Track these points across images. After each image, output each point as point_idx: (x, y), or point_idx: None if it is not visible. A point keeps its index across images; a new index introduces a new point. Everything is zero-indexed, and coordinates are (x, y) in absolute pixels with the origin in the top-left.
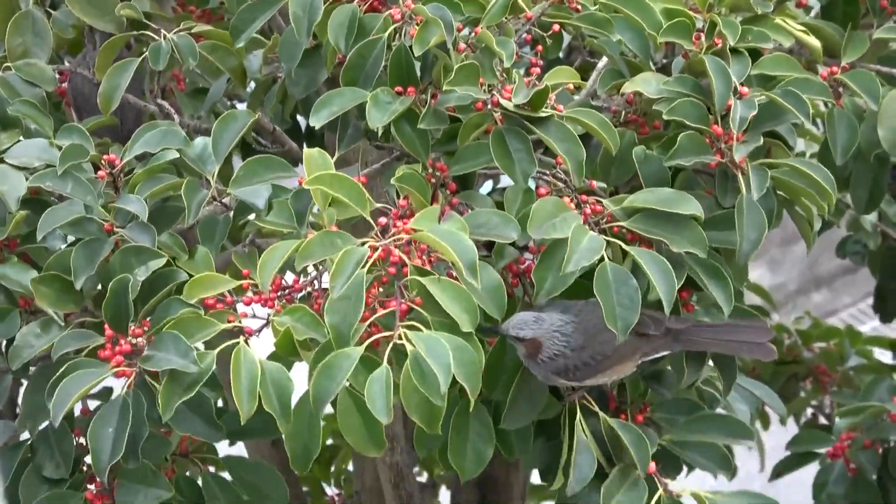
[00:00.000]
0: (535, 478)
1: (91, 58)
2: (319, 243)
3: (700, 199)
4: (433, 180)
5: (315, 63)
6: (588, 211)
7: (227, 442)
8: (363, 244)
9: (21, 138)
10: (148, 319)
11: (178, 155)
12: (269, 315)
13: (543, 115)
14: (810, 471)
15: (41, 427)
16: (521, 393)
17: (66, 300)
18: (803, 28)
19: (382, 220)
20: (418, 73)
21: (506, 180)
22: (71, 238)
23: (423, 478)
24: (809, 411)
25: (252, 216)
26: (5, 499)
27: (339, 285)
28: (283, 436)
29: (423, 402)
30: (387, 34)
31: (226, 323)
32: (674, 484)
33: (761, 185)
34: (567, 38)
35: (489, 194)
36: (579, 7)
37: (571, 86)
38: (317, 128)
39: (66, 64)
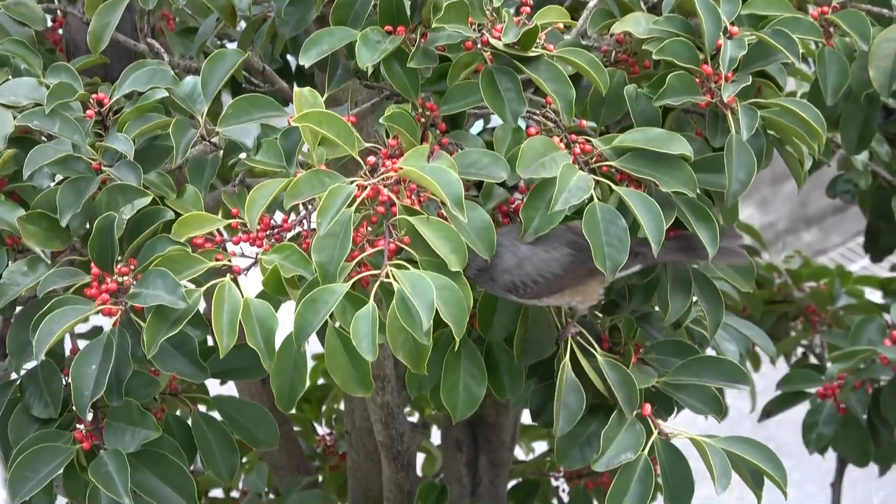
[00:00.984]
0: (527, 418)
1: None
2: (308, 182)
3: (690, 140)
4: (423, 120)
5: (305, 2)
6: (577, 150)
7: (217, 382)
8: (351, 183)
9: (10, 77)
10: (135, 258)
11: (167, 94)
12: (257, 254)
13: (533, 54)
14: (801, 410)
15: (29, 366)
16: (528, 332)
17: (53, 238)
18: None
19: (371, 159)
20: (408, 12)
21: (496, 120)
22: (60, 178)
23: (414, 418)
24: (800, 351)
25: (242, 155)
26: None
27: (326, 223)
28: (269, 374)
29: (408, 342)
30: None
31: (214, 261)
32: (666, 425)
33: (751, 125)
34: None
35: (479, 134)
36: None
37: (561, 25)
38: (306, 67)
39: (57, 3)
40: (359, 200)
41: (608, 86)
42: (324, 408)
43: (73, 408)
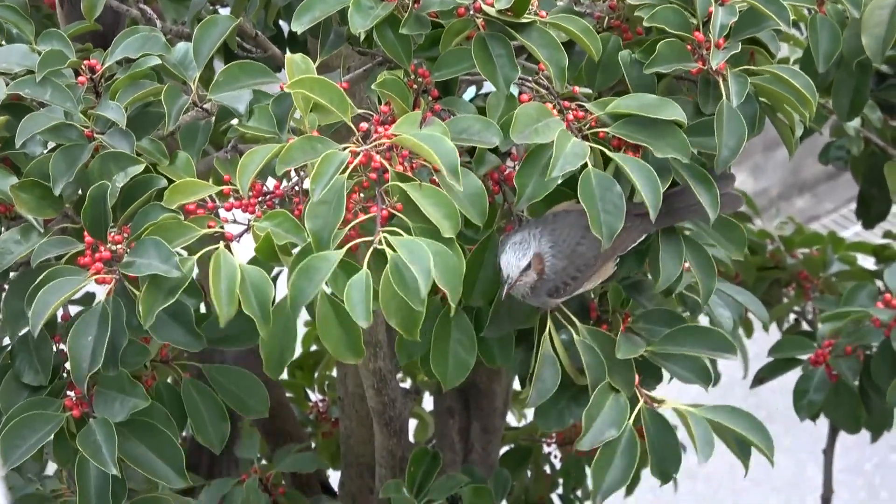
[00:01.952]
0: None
1: None
2: (300, 148)
3: (683, 106)
4: (415, 86)
5: None
6: (570, 117)
7: None
8: (344, 149)
9: (3, 43)
10: (128, 226)
11: (159, 61)
12: (249, 221)
13: (526, 20)
14: (793, 376)
15: (21, 333)
16: (501, 303)
17: (46, 206)
18: None
19: (364, 125)
20: None
21: (488, 86)
22: (52, 145)
23: (407, 384)
24: (792, 317)
25: (234, 121)
26: None
27: (319, 189)
28: (260, 340)
29: (402, 308)
30: None
31: (207, 228)
32: (653, 395)
33: (741, 92)
34: None
35: (471, 101)
36: None
37: None
38: (299, 33)
39: None
40: (351, 167)
41: (601, 52)
42: (316, 374)
43: (64, 374)
